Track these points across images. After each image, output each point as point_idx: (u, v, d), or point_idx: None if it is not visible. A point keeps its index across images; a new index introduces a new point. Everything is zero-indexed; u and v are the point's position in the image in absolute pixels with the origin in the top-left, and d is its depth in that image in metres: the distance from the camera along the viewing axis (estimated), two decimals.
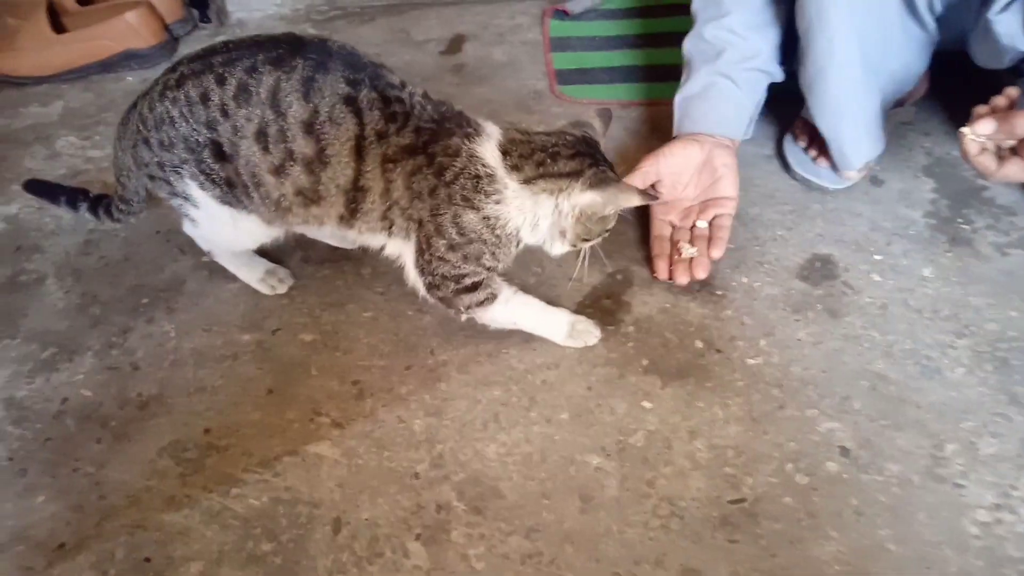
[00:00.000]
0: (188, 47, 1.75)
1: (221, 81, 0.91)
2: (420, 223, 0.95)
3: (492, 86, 1.60)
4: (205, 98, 0.91)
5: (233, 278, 1.20)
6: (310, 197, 0.94)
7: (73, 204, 1.19)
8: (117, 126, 1.06)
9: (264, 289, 1.17)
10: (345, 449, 1.00)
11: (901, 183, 1.33)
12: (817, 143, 1.32)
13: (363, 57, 0.94)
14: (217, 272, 1.20)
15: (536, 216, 0.95)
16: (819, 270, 1.20)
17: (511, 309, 1.05)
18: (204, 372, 1.09)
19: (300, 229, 1.10)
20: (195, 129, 0.92)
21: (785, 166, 1.37)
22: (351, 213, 0.96)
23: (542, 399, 1.05)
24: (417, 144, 0.91)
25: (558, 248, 1.00)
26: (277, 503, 0.95)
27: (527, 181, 0.92)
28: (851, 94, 1.18)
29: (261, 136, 0.91)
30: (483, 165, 0.92)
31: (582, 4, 1.76)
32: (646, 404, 1.04)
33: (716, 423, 1.01)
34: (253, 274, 1.18)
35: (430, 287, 1.00)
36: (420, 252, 0.98)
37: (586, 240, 0.99)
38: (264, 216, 0.99)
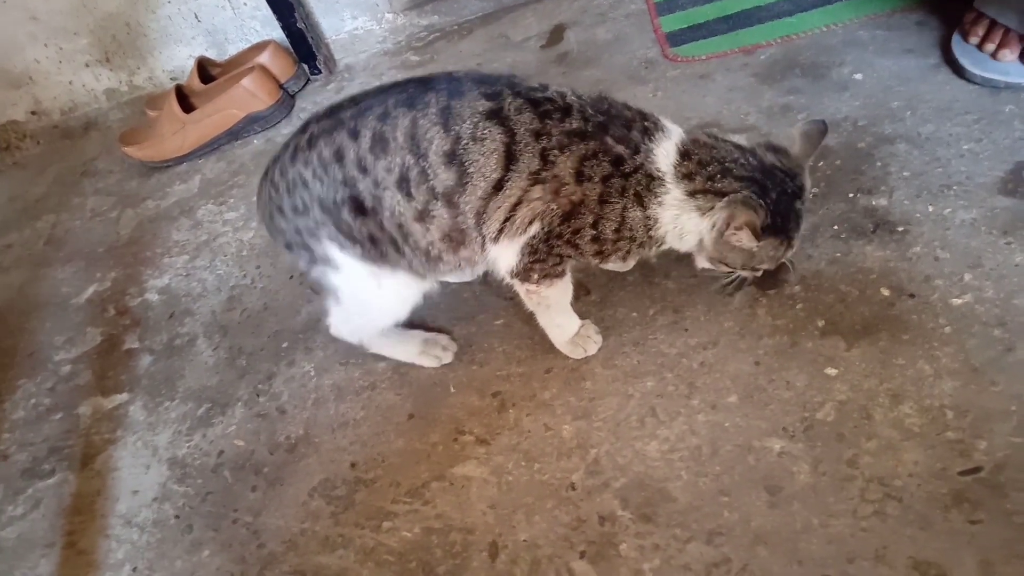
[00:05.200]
0: (304, 100, 1.80)
1: (355, 135, 0.86)
2: (575, 204, 0.84)
3: (600, 66, 1.50)
4: (340, 155, 0.86)
5: None
6: (455, 239, 0.88)
7: None
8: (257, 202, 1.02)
9: (427, 362, 1.07)
10: (493, 467, 0.92)
11: None
12: (996, 33, 1.09)
13: (492, 74, 0.88)
14: None
15: (683, 229, 0.86)
16: None
17: (559, 290, 0.94)
18: (345, 406, 1.06)
19: (450, 277, 1.05)
20: (331, 188, 0.88)
21: (958, 71, 1.15)
22: (478, 228, 0.87)
23: (703, 383, 0.91)
24: (587, 130, 0.84)
25: (701, 261, 0.92)
26: (430, 533, 0.88)
27: (692, 193, 0.84)
28: None
29: (403, 183, 0.85)
30: (657, 168, 0.84)
31: None
32: (830, 371, 0.88)
33: (924, 381, 0.83)
34: (411, 349, 1.08)
35: (531, 262, 0.90)
36: (552, 235, 0.86)
37: (724, 264, 0.89)
38: (416, 270, 0.93)
